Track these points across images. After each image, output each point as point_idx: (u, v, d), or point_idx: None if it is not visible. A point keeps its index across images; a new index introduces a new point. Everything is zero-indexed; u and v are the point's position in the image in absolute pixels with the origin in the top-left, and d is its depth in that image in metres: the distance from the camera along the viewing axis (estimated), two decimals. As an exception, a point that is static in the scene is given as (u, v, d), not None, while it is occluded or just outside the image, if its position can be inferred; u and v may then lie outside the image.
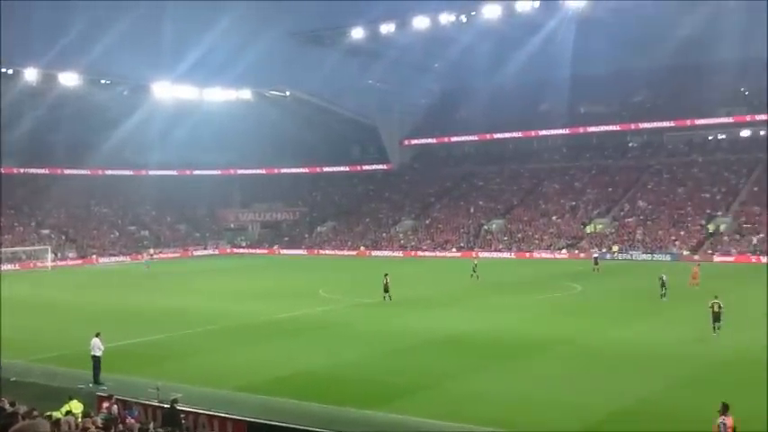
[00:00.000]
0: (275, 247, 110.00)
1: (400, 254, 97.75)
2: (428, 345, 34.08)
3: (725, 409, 17.59)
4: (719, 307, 34.26)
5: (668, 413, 23.00)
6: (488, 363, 30.06)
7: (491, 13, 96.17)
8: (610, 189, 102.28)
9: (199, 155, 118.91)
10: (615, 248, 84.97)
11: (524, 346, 33.25)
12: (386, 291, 47.83)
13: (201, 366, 30.50)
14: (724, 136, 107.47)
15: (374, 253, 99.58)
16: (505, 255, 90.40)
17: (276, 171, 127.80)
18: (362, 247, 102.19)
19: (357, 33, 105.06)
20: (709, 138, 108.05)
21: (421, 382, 27.02)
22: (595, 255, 75.00)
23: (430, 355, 31.84)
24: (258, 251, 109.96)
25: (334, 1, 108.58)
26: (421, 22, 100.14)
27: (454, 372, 28.42)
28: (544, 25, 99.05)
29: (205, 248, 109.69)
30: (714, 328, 34.20)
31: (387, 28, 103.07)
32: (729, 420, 17.40)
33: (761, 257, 76.74)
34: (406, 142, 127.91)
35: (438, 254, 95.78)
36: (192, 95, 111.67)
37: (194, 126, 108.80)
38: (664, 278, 47.21)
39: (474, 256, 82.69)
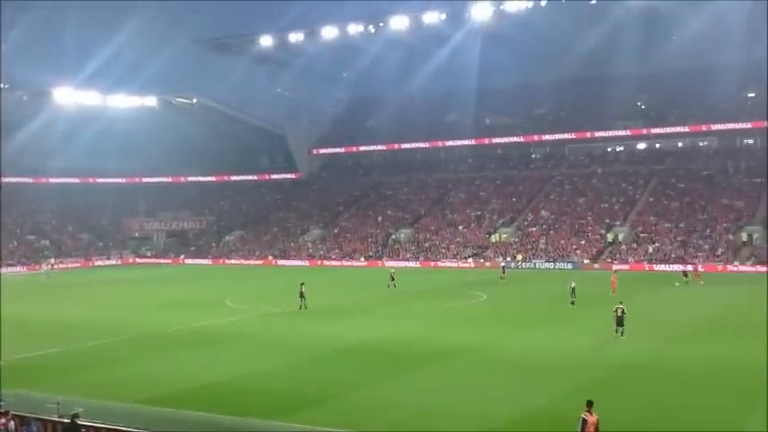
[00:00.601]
0: (181, 256, 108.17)
1: (307, 263, 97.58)
2: (337, 354, 34.18)
3: (589, 406, 18.30)
4: (623, 312, 35.64)
5: (570, 418, 23.57)
6: (395, 371, 30.31)
7: (399, 24, 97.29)
8: (514, 199, 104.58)
9: (103, 162, 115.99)
10: (519, 257, 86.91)
11: (431, 354, 33.64)
12: (302, 298, 47.71)
13: (104, 379, 29.82)
14: (622, 148, 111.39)
15: (281, 262, 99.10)
16: (412, 264, 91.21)
17: (183, 179, 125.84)
18: (270, 257, 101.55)
19: (265, 41, 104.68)
20: (608, 150, 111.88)
21: (329, 391, 27.07)
22: (503, 264, 76.53)
23: (339, 365, 31.96)
24: (163, 261, 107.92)
25: (243, 8, 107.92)
26: (329, 32, 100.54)
27: (362, 381, 28.60)
28: (451, 37, 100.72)
29: (108, 258, 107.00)
30: (617, 331, 35.47)
31: (295, 37, 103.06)
32: (591, 418, 18.15)
33: (653, 265, 79.73)
34: (315, 151, 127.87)
35: (345, 263, 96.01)
36: (96, 102, 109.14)
37: (98, 133, 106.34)
38: (572, 285, 48.54)
39: (385, 265, 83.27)
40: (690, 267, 64.95)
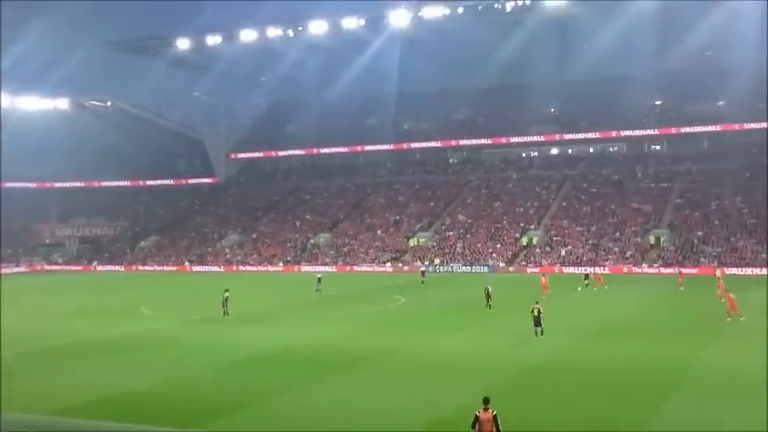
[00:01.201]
0: (93, 263, 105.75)
1: (221, 269, 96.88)
2: (257, 360, 34.08)
3: (485, 403, 19.03)
4: (539, 312, 36.64)
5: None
6: (316, 376, 30.39)
7: (318, 28, 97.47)
8: (432, 203, 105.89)
9: (12, 166, 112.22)
10: (437, 261, 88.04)
11: (351, 358, 33.86)
12: (225, 305, 47.21)
13: (14, 391, 29.05)
14: (536, 153, 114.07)
15: (196, 268, 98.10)
16: (328, 268, 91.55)
17: (96, 184, 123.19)
18: (186, 263, 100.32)
19: (183, 44, 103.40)
20: (523, 155, 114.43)
21: (249, 397, 26.99)
22: (422, 268, 77.23)
23: (258, 371, 31.86)
24: (75, 268, 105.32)
25: (159, 10, 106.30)
26: (248, 36, 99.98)
27: (281, 386, 28.61)
28: (370, 43, 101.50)
29: (17, 266, 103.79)
30: (536, 332, 36.44)
31: (213, 40, 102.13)
32: (485, 414, 18.81)
33: (563, 268, 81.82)
34: (233, 156, 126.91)
35: (260, 268, 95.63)
36: (4, 104, 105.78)
37: (7, 136, 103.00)
38: (489, 289, 49.34)
39: (301, 270, 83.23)
40: (590, 271, 66.18)
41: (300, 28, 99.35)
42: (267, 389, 28.25)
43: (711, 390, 26.83)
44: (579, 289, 61.11)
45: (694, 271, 74.26)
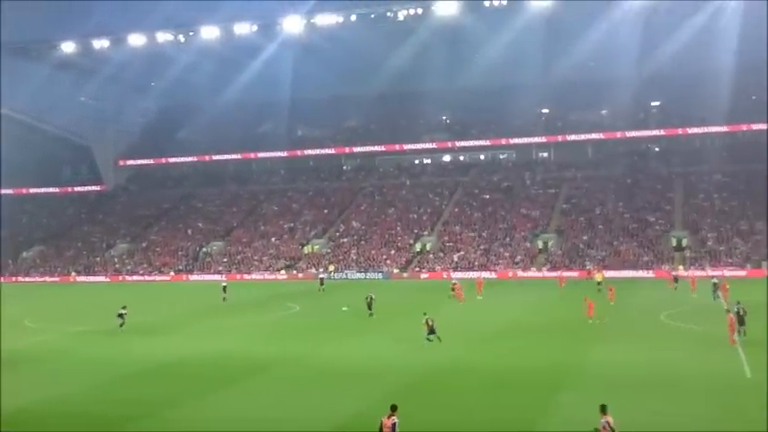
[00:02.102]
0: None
1: (107, 279, 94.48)
2: (148, 373, 33.36)
3: (392, 410, 19.58)
4: (432, 321, 37.10)
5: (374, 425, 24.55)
6: (211, 387, 29.99)
7: (209, 34, 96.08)
8: (326, 210, 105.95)
9: None
10: (331, 268, 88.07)
11: (244, 368, 33.55)
12: (121, 318, 45.81)
13: None
14: (429, 160, 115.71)
15: (81, 279, 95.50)
16: (217, 277, 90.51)
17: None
18: (73, 273, 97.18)
19: (68, 48, 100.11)
20: (416, 162, 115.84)
21: (137, 412, 26.39)
22: (321, 275, 76.70)
23: (149, 384, 31.21)
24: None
25: (43, 12, 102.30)
26: (137, 40, 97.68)
27: (173, 399, 28.14)
28: (263, 49, 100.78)
29: None
30: (429, 339, 36.83)
31: (100, 43, 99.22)
32: (388, 421, 19.28)
33: (450, 273, 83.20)
34: (122, 162, 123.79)
35: (148, 278, 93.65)
36: None
37: None
38: (372, 297, 49.54)
39: (189, 279, 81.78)
40: (454, 279, 63.55)
41: (192, 33, 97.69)
42: (158, 402, 27.74)
43: (596, 388, 27.87)
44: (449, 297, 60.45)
45: (575, 274, 76.77)
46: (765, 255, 78.72)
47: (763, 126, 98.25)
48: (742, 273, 74.77)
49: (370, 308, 48.76)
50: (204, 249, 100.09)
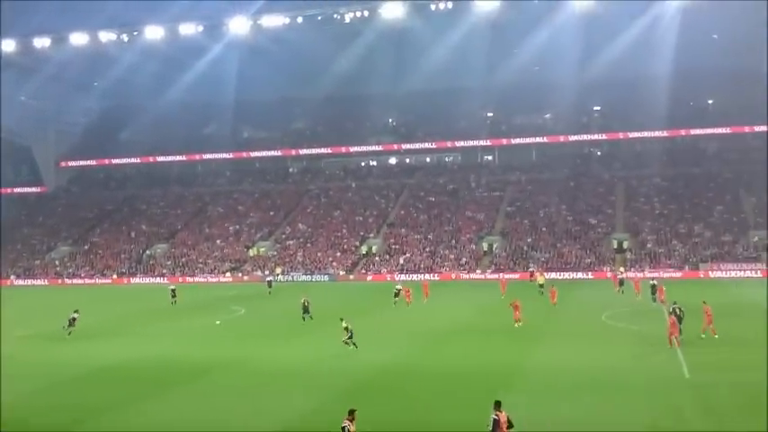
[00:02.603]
0: None
1: (46, 282, 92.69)
2: (90, 377, 32.80)
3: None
4: (350, 325, 36.39)
5: (329, 427, 24.57)
6: (152, 391, 29.67)
7: (154, 34, 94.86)
8: (272, 213, 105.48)
9: None
10: (278, 271, 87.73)
11: (188, 372, 33.24)
12: (71, 325, 44.71)
13: None
14: (375, 163, 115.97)
15: (20, 282, 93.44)
16: (160, 280, 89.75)
17: None
18: (13, 276, 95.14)
19: (8, 46, 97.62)
20: (363, 164, 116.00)
21: (75, 417, 25.90)
22: (269, 278, 75.92)
23: (89, 389, 30.67)
24: None
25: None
26: (79, 39, 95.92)
27: (113, 404, 27.72)
28: (209, 49, 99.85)
29: None
30: (346, 343, 36.21)
31: (41, 42, 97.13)
32: (352, 427, 19.42)
33: (396, 275, 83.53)
34: (63, 164, 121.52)
35: (88, 281, 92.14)
36: None
37: None
38: (308, 301, 48.95)
39: (131, 282, 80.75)
40: (399, 285, 60.39)
41: (136, 33, 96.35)
42: (97, 407, 27.31)
43: (539, 389, 28.37)
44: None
45: (516, 276, 77.61)
46: (703, 257, 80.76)
47: (700, 131, 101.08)
48: (678, 274, 76.47)
49: (306, 311, 48.25)
50: (148, 252, 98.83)
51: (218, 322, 48.08)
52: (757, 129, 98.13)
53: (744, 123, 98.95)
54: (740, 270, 77.00)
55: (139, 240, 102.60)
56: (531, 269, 78.13)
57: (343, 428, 19.49)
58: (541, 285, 60.46)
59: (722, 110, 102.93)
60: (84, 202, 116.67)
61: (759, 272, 76.10)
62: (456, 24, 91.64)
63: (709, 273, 77.26)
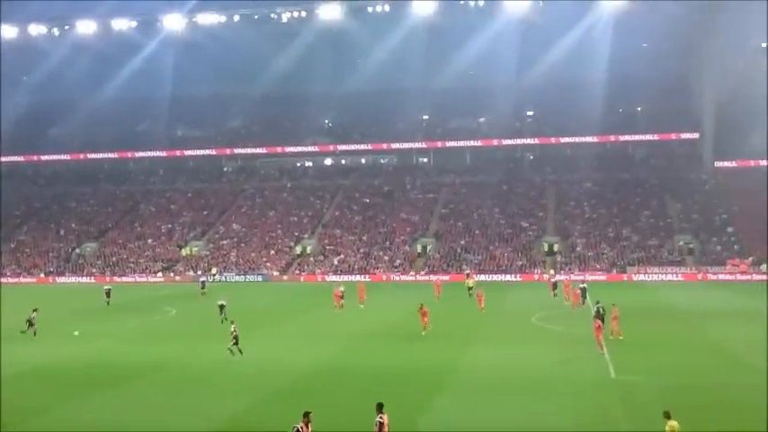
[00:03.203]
0: None
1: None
2: (18, 379, 32.07)
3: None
4: (236, 331, 35.53)
5: (260, 426, 24.59)
6: (80, 394, 29.20)
7: (86, 28, 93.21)
8: (205, 212, 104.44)
9: None
10: (214, 271, 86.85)
11: (118, 373, 32.78)
12: (31, 325, 43.47)
13: None
14: (311, 163, 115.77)
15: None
16: (86, 279, 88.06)
17: None
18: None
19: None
20: (298, 165, 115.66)
21: (3, 421, 25.47)
22: (202, 279, 73.82)
23: (19, 391, 29.97)
24: None
25: None
26: (8, 32, 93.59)
27: (42, 406, 27.27)
28: (143, 45, 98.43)
29: None
30: (230, 349, 35.41)
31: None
32: (306, 428, 19.52)
33: (329, 276, 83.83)
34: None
35: (11, 279, 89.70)
36: None
37: None
38: (224, 303, 48.30)
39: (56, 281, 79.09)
40: (343, 288, 57.63)
41: (67, 27, 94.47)
42: (25, 409, 26.81)
43: (470, 390, 28.86)
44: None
45: (447, 278, 78.29)
46: (630, 260, 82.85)
47: (629, 137, 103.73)
48: (602, 277, 77.82)
49: (221, 313, 47.52)
50: (77, 251, 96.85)
51: (76, 333, 43.57)
52: (683, 136, 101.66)
53: (670, 131, 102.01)
54: (664, 273, 79.26)
55: (68, 239, 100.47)
56: (466, 271, 78.64)
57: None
58: (470, 288, 60.45)
59: (650, 117, 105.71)
60: (11, 199, 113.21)
61: (680, 275, 78.53)
62: (393, 27, 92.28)
63: (633, 276, 79.23)
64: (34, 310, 44.44)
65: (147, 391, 29.70)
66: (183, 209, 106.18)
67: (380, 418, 19.82)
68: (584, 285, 55.71)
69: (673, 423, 19.42)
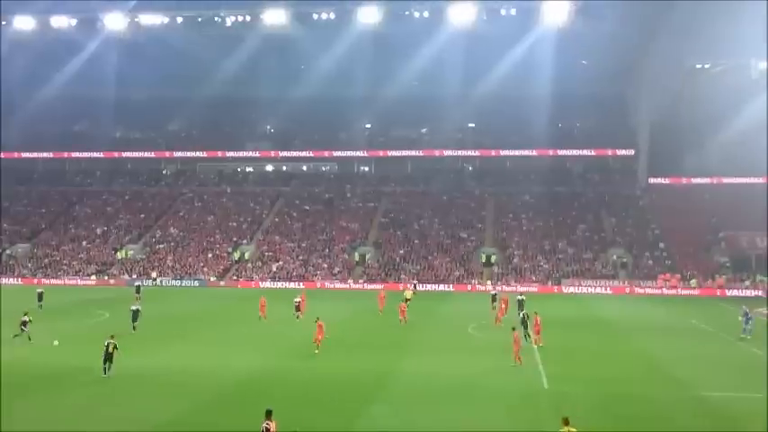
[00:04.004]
0: None
1: None
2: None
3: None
4: (114, 347, 33.30)
5: (197, 429, 24.40)
6: (9, 398, 28.56)
7: (23, 24, 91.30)
8: (142, 215, 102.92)
9: None
10: (154, 275, 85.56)
11: (46, 378, 32.17)
12: (24, 329, 41.94)
13: None
14: (251, 169, 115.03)
15: None
16: (15, 280, 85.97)
17: None
18: None
19: None
20: (239, 170, 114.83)
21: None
22: (137, 283, 72.19)
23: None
24: None
25: None
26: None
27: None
28: (82, 44, 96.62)
29: None
30: (104, 369, 33.74)
31: None
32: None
33: (261, 282, 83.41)
34: None
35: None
36: None
37: None
38: (137, 309, 46.86)
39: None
40: (299, 299, 55.56)
41: (4, 23, 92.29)
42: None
43: (405, 399, 29.06)
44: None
45: (380, 286, 78.23)
46: (565, 273, 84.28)
47: (567, 152, 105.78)
48: (534, 289, 78.28)
49: (134, 320, 45.70)
50: (8, 251, 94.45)
51: (55, 342, 41.78)
52: (619, 152, 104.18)
53: (607, 147, 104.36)
54: (594, 287, 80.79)
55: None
56: (413, 282, 79.04)
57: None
58: (408, 300, 58.67)
59: (588, 133, 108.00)
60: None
61: (609, 288, 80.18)
62: (338, 35, 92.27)
63: (563, 288, 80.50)
64: (25, 314, 42.82)
65: (76, 395, 29.21)
66: (119, 211, 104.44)
67: (267, 424, 19.80)
68: (522, 297, 55.77)
69: (572, 429, 19.94)
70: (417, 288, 73.70)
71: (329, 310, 60.80)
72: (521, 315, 41.30)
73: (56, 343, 40.71)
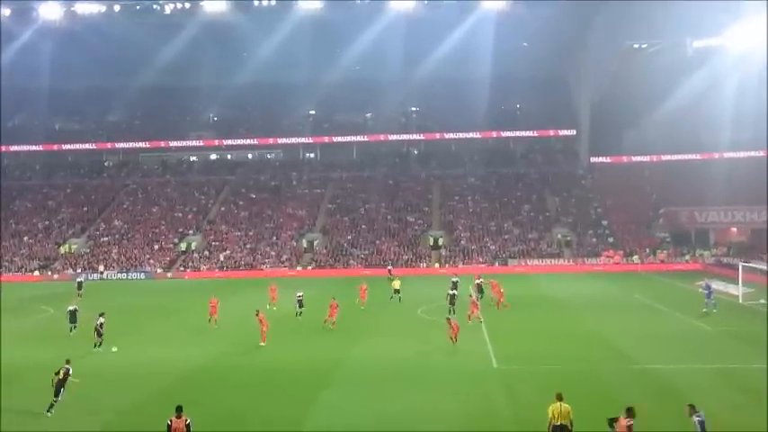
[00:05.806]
0: None
1: None
2: None
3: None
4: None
5: (148, 422, 24.30)
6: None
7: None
8: (85, 208, 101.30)
9: None
10: (101, 268, 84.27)
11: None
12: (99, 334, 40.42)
13: None
14: (195, 158, 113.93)
15: None
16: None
17: None
18: None
19: None
20: (183, 159, 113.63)
21: None
22: (80, 279, 69.49)
23: None
24: None
25: None
26: None
27: None
28: (17, 34, 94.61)
29: None
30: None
31: None
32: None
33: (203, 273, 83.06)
34: None
35: None
36: None
37: None
38: (75, 309, 43.81)
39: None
40: (301, 294, 51.47)
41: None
42: None
43: (358, 383, 29.40)
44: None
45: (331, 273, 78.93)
46: (511, 253, 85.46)
47: (510, 134, 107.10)
48: (482, 268, 78.60)
49: (72, 321, 42.79)
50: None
51: (114, 349, 37.75)
52: (561, 133, 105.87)
53: (549, 127, 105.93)
54: (544, 265, 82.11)
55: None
56: (389, 267, 76.59)
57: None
58: (397, 291, 55.64)
59: (530, 114, 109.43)
60: None
61: (555, 266, 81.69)
62: (280, 21, 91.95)
63: (512, 268, 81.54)
64: (101, 314, 39.63)
65: (28, 394, 28.78)
66: (61, 205, 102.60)
67: (170, 421, 19.81)
68: (481, 281, 55.59)
69: (564, 405, 20.36)
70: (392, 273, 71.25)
71: (281, 296, 60.94)
72: (477, 282, 42.13)
73: (114, 349, 37.58)
